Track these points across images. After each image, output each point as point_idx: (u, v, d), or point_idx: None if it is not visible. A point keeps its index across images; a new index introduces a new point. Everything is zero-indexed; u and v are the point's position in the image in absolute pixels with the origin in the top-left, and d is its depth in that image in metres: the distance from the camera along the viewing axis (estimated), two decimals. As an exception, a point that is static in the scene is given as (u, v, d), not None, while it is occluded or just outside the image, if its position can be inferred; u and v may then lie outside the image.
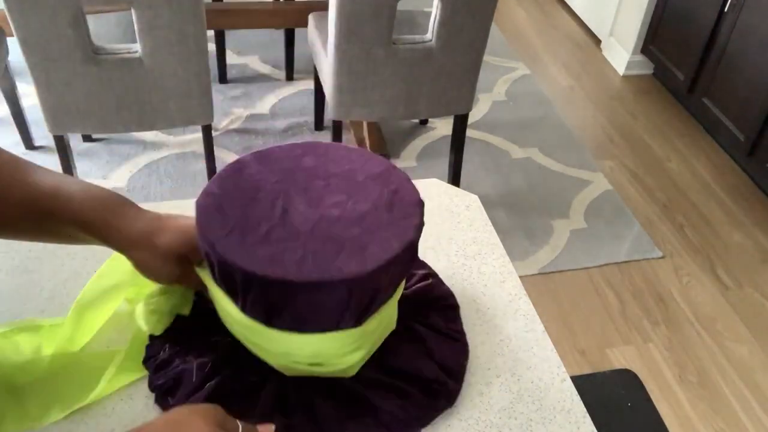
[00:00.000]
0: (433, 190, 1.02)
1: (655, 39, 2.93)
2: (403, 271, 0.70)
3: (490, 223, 0.97)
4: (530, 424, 0.72)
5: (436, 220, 0.97)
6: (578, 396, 0.75)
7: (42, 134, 2.37)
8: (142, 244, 0.67)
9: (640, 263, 2.14)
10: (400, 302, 0.77)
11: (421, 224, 0.68)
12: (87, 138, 2.40)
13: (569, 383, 0.76)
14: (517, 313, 0.84)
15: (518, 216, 2.27)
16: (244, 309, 0.66)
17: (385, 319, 0.71)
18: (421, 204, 0.70)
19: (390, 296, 0.70)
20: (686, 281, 2.10)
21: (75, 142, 2.37)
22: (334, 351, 0.68)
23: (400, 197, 0.70)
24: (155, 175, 2.29)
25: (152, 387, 0.72)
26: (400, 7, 1.78)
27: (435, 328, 0.79)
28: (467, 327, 0.82)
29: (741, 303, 2.04)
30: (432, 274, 0.86)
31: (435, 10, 1.79)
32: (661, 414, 1.15)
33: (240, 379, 0.71)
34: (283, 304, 0.63)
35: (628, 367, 1.66)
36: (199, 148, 2.35)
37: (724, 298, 2.05)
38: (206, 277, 0.69)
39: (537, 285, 2.03)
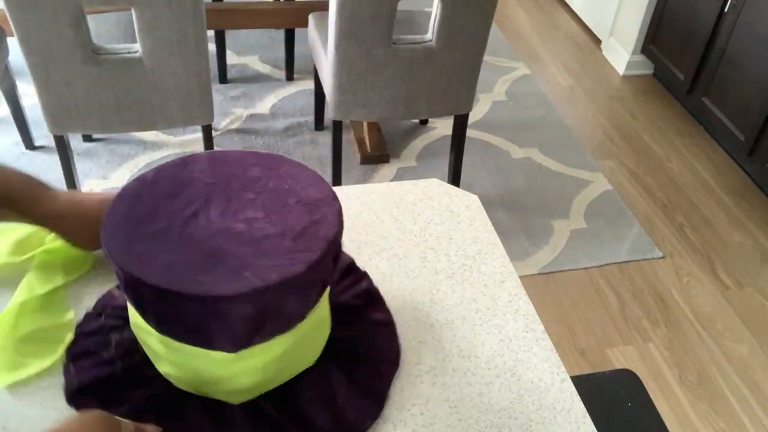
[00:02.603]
0: (433, 190, 1.02)
1: (655, 39, 2.93)
2: (286, 308, 0.65)
3: (490, 223, 0.97)
4: (530, 424, 0.72)
5: (436, 220, 0.97)
6: (578, 396, 0.75)
7: (42, 134, 2.37)
8: (71, 213, 0.69)
9: (640, 263, 2.14)
10: (337, 340, 0.75)
11: (316, 263, 0.64)
12: (87, 138, 2.40)
13: (569, 383, 0.76)
14: (517, 313, 0.84)
15: (518, 216, 2.27)
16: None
17: (276, 352, 0.68)
18: (332, 242, 0.66)
19: (278, 331, 0.66)
20: (686, 281, 2.10)
21: (75, 142, 2.37)
22: (207, 368, 0.66)
23: (315, 229, 0.67)
24: (155, 175, 2.29)
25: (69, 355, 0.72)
26: (400, 7, 1.78)
27: (355, 380, 0.74)
28: (467, 327, 0.82)
29: (741, 303, 2.04)
30: (386, 322, 0.81)
31: (435, 10, 1.79)
32: (661, 414, 1.15)
33: (133, 376, 0.71)
34: (146, 303, 0.63)
35: (628, 367, 1.66)
36: (199, 148, 2.35)
37: (724, 298, 2.05)
38: None
39: (537, 285, 2.03)
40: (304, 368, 0.73)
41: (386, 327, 0.81)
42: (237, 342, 0.64)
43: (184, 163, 0.73)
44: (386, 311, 0.83)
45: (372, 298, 0.84)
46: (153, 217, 0.66)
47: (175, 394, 0.70)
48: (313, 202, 0.71)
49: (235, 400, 0.70)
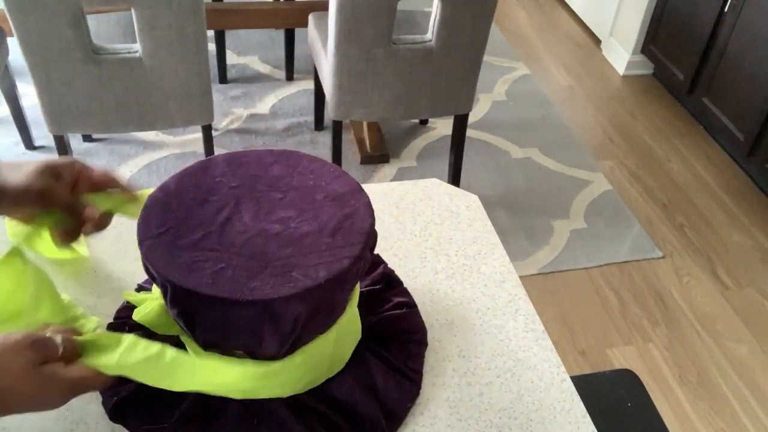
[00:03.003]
0: (433, 190, 1.02)
1: (655, 39, 2.93)
2: (333, 304, 0.66)
3: (490, 223, 0.97)
4: (530, 424, 0.72)
5: (436, 220, 0.97)
6: (578, 396, 0.75)
7: (42, 134, 2.37)
8: (9, 172, 0.68)
9: (640, 263, 2.14)
10: (366, 327, 0.75)
11: (361, 255, 0.65)
12: (87, 138, 2.40)
13: (569, 383, 0.76)
14: (517, 313, 0.84)
15: (518, 216, 2.27)
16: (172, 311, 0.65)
17: (321, 349, 0.68)
18: (369, 233, 0.67)
19: (325, 327, 0.67)
20: (686, 281, 2.10)
21: (75, 142, 2.37)
22: (261, 376, 0.65)
23: (350, 223, 0.67)
24: (155, 175, 2.29)
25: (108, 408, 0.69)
26: (400, 7, 1.78)
27: (390, 362, 0.75)
28: (467, 327, 0.82)
29: (741, 303, 2.04)
30: (408, 304, 0.82)
31: (435, 10, 1.79)
32: (661, 414, 1.15)
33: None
34: (195, 317, 0.62)
35: (628, 367, 1.66)
36: (199, 148, 2.35)
37: (724, 298, 2.05)
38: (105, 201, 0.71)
39: (537, 285, 2.03)
40: (347, 360, 0.73)
41: (410, 308, 0.82)
42: (285, 343, 0.63)
43: (203, 167, 0.73)
44: (407, 293, 0.84)
45: (390, 280, 0.85)
46: (187, 226, 0.65)
47: (214, 400, 0.69)
48: (340, 196, 0.71)
49: (286, 393, 0.70)
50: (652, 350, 1.87)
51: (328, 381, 0.71)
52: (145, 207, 0.67)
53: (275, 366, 0.65)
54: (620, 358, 1.85)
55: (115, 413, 0.68)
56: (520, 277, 1.00)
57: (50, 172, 0.69)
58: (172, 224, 0.65)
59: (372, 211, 0.70)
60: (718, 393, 1.78)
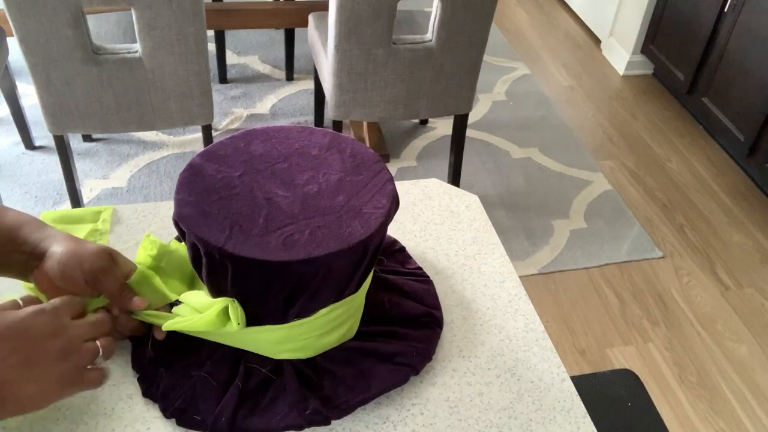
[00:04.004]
0: (433, 190, 1.02)
1: (655, 39, 2.93)
2: (388, 224, 0.72)
3: (490, 223, 0.97)
4: (530, 424, 0.72)
5: (436, 220, 0.97)
6: (578, 396, 0.75)
7: (42, 134, 2.37)
8: (67, 241, 0.68)
9: (640, 263, 2.14)
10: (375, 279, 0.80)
11: (392, 176, 0.72)
12: (87, 138, 2.40)
13: (569, 383, 0.76)
14: (517, 313, 0.84)
15: (518, 216, 2.27)
16: (260, 305, 0.66)
17: (360, 300, 0.74)
18: (380, 159, 0.74)
19: (365, 278, 0.72)
20: (686, 281, 2.10)
21: (75, 142, 2.37)
22: (344, 318, 0.71)
23: (360, 159, 0.74)
24: (155, 175, 2.29)
25: (167, 411, 0.69)
26: (400, 7, 1.78)
27: (397, 271, 0.83)
28: (467, 327, 0.82)
29: (741, 303, 2.04)
30: (402, 248, 0.90)
31: (435, 10, 1.79)
32: (661, 414, 1.15)
33: (251, 376, 0.71)
34: (307, 283, 0.64)
35: (628, 367, 1.67)
36: (199, 148, 2.35)
37: (724, 298, 2.05)
38: (159, 289, 0.70)
39: (537, 285, 2.03)
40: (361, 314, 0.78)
41: (418, 270, 0.87)
42: (361, 280, 0.69)
43: (193, 173, 0.71)
44: (411, 260, 0.89)
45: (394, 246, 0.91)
46: (243, 220, 0.65)
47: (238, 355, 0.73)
48: (329, 144, 0.76)
49: (350, 335, 0.75)
50: (652, 350, 1.87)
51: (371, 308, 0.77)
52: (189, 227, 0.65)
53: (356, 297, 0.70)
54: (620, 358, 1.85)
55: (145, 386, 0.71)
56: (520, 277, 1.00)
57: (109, 254, 0.69)
58: (230, 223, 0.65)
59: (363, 144, 0.77)
60: (718, 393, 1.78)
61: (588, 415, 0.73)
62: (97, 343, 0.64)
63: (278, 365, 0.72)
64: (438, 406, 0.73)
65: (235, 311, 0.65)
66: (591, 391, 1.16)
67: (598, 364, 1.82)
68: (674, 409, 1.73)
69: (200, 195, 0.69)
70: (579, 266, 2.11)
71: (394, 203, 0.69)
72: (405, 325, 0.77)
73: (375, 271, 0.81)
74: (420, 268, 0.86)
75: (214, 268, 0.65)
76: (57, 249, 0.67)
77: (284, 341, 0.70)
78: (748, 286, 2.09)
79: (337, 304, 0.69)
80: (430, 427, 0.71)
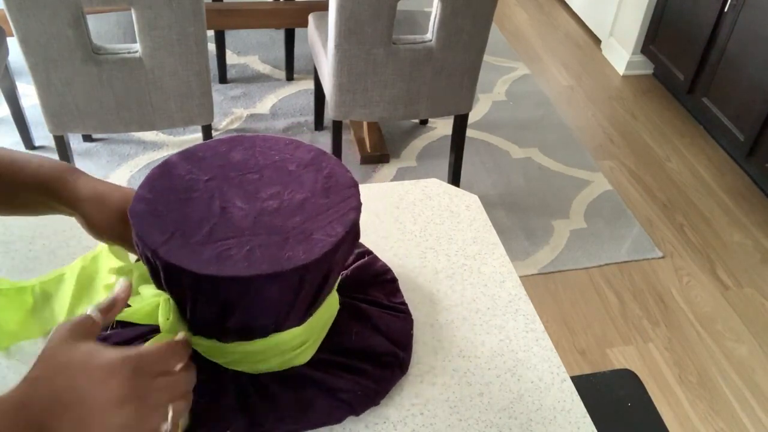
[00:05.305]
0: (433, 190, 1.02)
1: (655, 39, 2.93)
2: (348, 254, 0.70)
3: (490, 223, 0.97)
4: (530, 424, 0.72)
5: (436, 220, 0.97)
6: (578, 396, 0.75)
7: (42, 134, 2.37)
8: (93, 200, 0.69)
9: (640, 263, 2.14)
10: (341, 282, 0.79)
11: (359, 205, 0.69)
12: (87, 138, 2.40)
13: (569, 383, 0.76)
14: (517, 313, 0.84)
15: (518, 216, 2.27)
16: (193, 314, 0.64)
17: (330, 305, 0.74)
18: (355, 185, 0.71)
19: (336, 281, 0.72)
20: (686, 281, 2.10)
21: (75, 142, 2.37)
22: (287, 348, 0.70)
23: (334, 181, 0.71)
24: (155, 175, 2.29)
25: None
26: (400, 7, 1.78)
27: (378, 303, 0.81)
28: (467, 327, 0.82)
29: (741, 303, 2.04)
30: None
31: (435, 10, 1.79)
32: (661, 414, 1.15)
33: (198, 387, 0.69)
34: (235, 303, 0.62)
35: (628, 367, 1.66)
36: (199, 148, 2.34)
37: (724, 298, 2.05)
38: None
39: (537, 285, 2.03)
40: (335, 314, 0.77)
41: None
42: (309, 308, 0.68)
43: (166, 170, 0.71)
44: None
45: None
46: (190, 225, 0.65)
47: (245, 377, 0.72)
48: (310, 162, 0.74)
49: (304, 360, 0.73)
50: (652, 350, 1.87)
51: (336, 336, 0.76)
52: (135, 222, 0.65)
53: (298, 330, 0.68)
54: (620, 358, 1.85)
55: None
56: (520, 277, 1.00)
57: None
58: (174, 227, 0.64)
59: (345, 167, 0.74)
60: (718, 393, 1.78)
61: (588, 415, 0.73)
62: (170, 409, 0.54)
63: (223, 373, 0.71)
64: (438, 406, 0.73)
65: (165, 306, 0.64)
66: (591, 391, 1.16)
67: (598, 364, 1.82)
68: (674, 409, 1.73)
69: (159, 193, 0.68)
70: (579, 266, 2.11)
71: (351, 233, 0.66)
72: (365, 360, 0.74)
73: (355, 299, 0.80)
74: (404, 304, 0.83)
75: (150, 268, 0.65)
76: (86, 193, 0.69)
77: (222, 355, 0.70)
78: (748, 286, 2.09)
79: (280, 334, 0.67)
80: (430, 427, 0.71)
